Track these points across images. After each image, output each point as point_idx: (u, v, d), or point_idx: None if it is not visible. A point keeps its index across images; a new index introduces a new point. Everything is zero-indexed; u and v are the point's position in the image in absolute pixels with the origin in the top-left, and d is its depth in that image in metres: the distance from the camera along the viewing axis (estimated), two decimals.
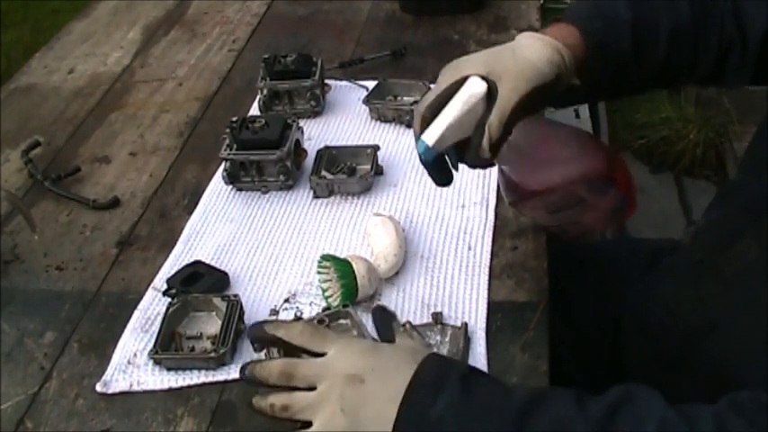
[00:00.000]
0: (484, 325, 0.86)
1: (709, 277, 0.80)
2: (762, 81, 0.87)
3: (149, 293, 0.95)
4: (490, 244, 0.97)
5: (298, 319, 0.87)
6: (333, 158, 1.11)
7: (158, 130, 1.27)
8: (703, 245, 0.85)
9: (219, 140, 1.10)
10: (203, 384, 0.83)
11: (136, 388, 0.83)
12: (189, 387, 0.83)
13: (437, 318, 0.86)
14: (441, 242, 0.98)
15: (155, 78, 1.41)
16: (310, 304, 0.91)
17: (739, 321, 0.76)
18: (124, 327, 0.90)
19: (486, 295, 0.90)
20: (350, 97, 1.29)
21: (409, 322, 0.86)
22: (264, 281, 0.95)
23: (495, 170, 1.06)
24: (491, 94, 0.76)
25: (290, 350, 0.70)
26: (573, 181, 0.84)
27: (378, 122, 1.22)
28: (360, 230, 1.01)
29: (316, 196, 1.08)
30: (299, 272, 0.96)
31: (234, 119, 1.10)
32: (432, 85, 1.19)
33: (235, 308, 0.87)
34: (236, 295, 0.89)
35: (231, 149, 1.08)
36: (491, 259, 0.95)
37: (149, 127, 1.28)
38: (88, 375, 0.85)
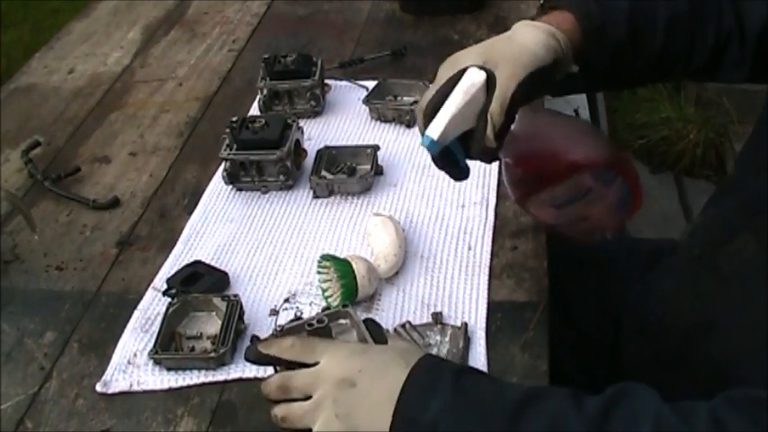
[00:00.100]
0: (484, 325, 0.86)
1: (707, 274, 0.80)
2: (760, 78, 0.87)
3: (149, 293, 0.95)
4: (490, 244, 0.97)
5: (298, 318, 0.87)
6: (333, 158, 1.11)
7: (158, 130, 1.27)
8: (701, 242, 0.85)
9: (219, 140, 1.10)
10: (203, 384, 0.83)
11: (136, 388, 0.83)
12: (189, 387, 0.83)
13: (437, 318, 0.86)
14: (441, 242, 0.98)
15: (155, 78, 1.41)
16: (310, 304, 0.91)
17: (738, 319, 0.76)
18: (124, 327, 0.90)
19: (485, 295, 0.90)
20: (350, 97, 1.29)
21: (409, 322, 0.86)
22: (264, 281, 0.95)
23: (495, 170, 1.07)
24: (490, 83, 0.76)
25: (289, 364, 0.70)
26: (580, 166, 0.85)
27: (378, 122, 1.22)
28: (360, 230, 1.01)
29: (316, 196, 1.08)
30: (299, 272, 0.96)
31: (234, 119, 1.10)
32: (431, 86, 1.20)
33: (235, 308, 0.87)
34: (236, 295, 0.89)
35: (231, 149, 1.08)
36: (491, 259, 0.95)
37: (149, 127, 1.28)
38: (88, 375, 0.85)
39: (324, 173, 1.08)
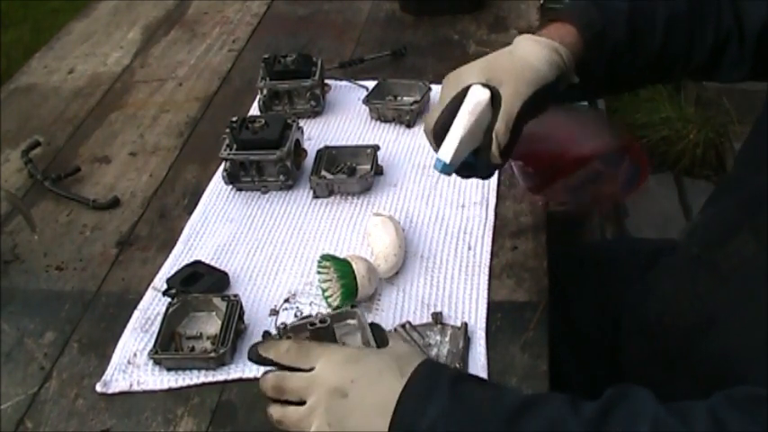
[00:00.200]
0: (484, 325, 0.86)
1: (706, 273, 0.80)
2: (760, 77, 0.87)
3: (149, 293, 0.95)
4: (490, 244, 0.97)
5: (304, 317, 0.86)
6: (333, 158, 1.11)
7: (158, 130, 1.27)
8: (700, 241, 0.85)
9: (219, 140, 1.10)
10: (203, 384, 0.83)
11: (136, 388, 0.83)
12: (189, 387, 0.83)
13: (437, 318, 0.86)
14: (441, 242, 0.98)
15: (155, 78, 1.41)
16: (310, 304, 0.91)
17: (737, 317, 0.76)
18: (124, 327, 0.90)
19: (485, 295, 0.90)
20: (350, 97, 1.29)
21: (409, 322, 0.86)
22: (264, 281, 0.95)
23: None
24: (494, 100, 0.76)
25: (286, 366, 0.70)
26: (589, 157, 0.86)
27: (378, 122, 1.22)
28: (360, 230, 1.01)
29: (316, 196, 1.08)
30: (299, 272, 0.96)
31: (234, 119, 1.10)
32: (432, 85, 1.20)
33: (235, 308, 0.87)
34: (236, 295, 0.89)
35: (231, 149, 1.08)
36: (491, 259, 0.95)
37: (149, 127, 1.28)
38: (88, 375, 0.85)
39: (324, 173, 1.08)
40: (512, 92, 0.75)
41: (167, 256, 1.00)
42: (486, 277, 0.92)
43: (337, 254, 0.93)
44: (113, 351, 0.87)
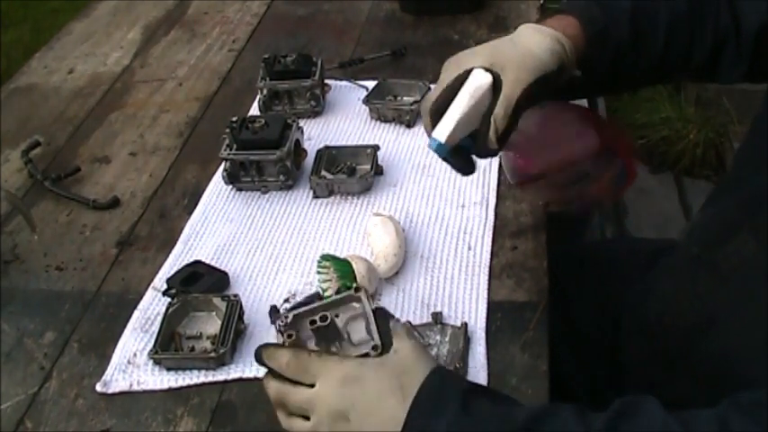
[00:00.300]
0: (484, 325, 0.86)
1: (706, 273, 0.80)
2: (758, 77, 0.87)
3: (149, 293, 0.95)
4: (490, 244, 0.97)
5: (305, 302, 0.85)
6: (333, 158, 1.11)
7: (158, 130, 1.27)
8: (700, 241, 0.85)
9: (219, 140, 1.10)
10: (203, 384, 0.83)
11: (136, 388, 0.83)
12: (189, 387, 0.83)
13: (437, 318, 0.86)
14: (441, 242, 0.98)
15: (155, 78, 1.41)
16: None
17: (737, 317, 0.76)
18: (124, 327, 0.90)
19: (485, 295, 0.90)
20: (350, 97, 1.29)
21: (409, 322, 0.86)
22: (264, 281, 0.95)
23: (495, 170, 1.07)
24: (495, 86, 0.76)
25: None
26: (576, 160, 0.86)
27: (378, 122, 1.22)
28: (360, 230, 1.01)
29: (316, 196, 1.08)
30: (299, 272, 0.96)
31: (234, 119, 1.10)
32: (432, 85, 1.20)
33: (235, 308, 0.87)
34: (235, 295, 0.89)
35: (231, 149, 1.08)
36: (491, 259, 0.95)
37: (149, 127, 1.28)
38: (88, 375, 0.85)
39: (324, 173, 1.08)
40: (513, 78, 0.75)
41: (167, 256, 1.00)
42: (486, 277, 0.92)
43: (337, 254, 0.93)
44: (113, 351, 0.88)
